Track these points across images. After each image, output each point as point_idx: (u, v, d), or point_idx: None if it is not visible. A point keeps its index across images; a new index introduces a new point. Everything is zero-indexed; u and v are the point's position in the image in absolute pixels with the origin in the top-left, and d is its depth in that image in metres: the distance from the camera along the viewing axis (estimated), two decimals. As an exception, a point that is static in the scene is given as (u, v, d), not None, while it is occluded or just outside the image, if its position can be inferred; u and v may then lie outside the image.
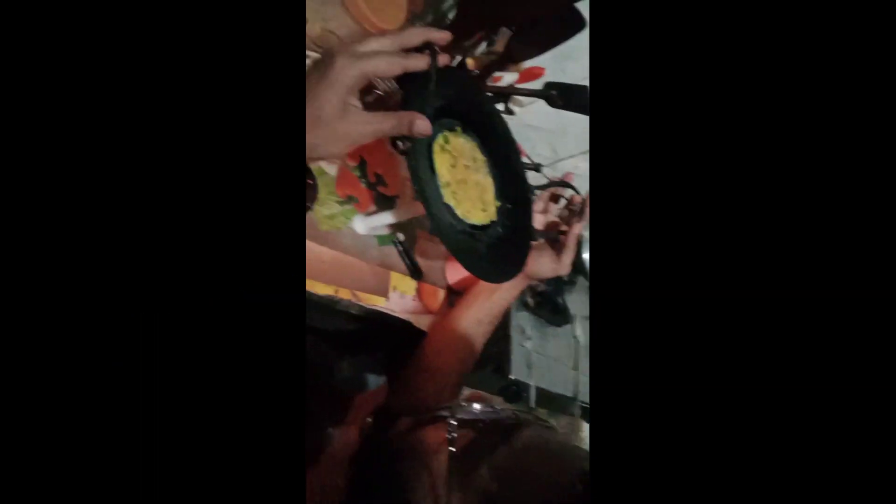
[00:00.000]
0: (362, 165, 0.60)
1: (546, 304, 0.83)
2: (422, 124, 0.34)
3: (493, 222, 0.52)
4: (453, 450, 0.29)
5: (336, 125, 0.33)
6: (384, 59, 0.33)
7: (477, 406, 0.34)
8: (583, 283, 0.93)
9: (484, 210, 0.51)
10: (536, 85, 0.61)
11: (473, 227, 0.49)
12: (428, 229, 0.69)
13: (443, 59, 0.37)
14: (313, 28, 0.43)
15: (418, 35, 0.35)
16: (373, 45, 0.33)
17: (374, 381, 1.21)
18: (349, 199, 0.56)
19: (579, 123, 0.82)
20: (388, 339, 0.58)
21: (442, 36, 0.36)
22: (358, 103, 0.35)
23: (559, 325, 0.86)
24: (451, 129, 0.49)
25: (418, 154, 0.42)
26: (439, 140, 0.47)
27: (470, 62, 0.60)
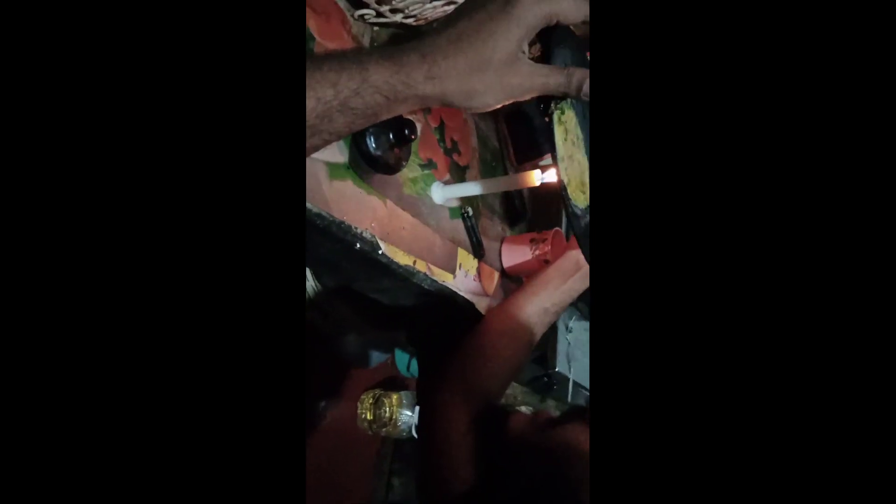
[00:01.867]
0: (441, 128, 0.54)
1: (584, 297, 0.81)
2: (594, 85, 0.30)
3: (587, 207, 0.48)
4: None
5: (503, 72, 0.28)
6: (571, 2, 0.28)
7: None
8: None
9: (583, 192, 0.48)
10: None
11: (575, 207, 0.45)
12: (492, 207, 0.64)
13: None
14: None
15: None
16: None
17: (378, 357, 1.17)
18: (429, 164, 0.51)
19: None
20: (453, 319, 0.54)
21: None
22: (527, 51, 0.30)
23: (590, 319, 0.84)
24: (565, 100, 0.44)
25: (553, 122, 0.38)
26: (558, 110, 0.42)
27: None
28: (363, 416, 1.21)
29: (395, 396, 1.20)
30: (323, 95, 0.26)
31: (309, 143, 0.28)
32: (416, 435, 1.14)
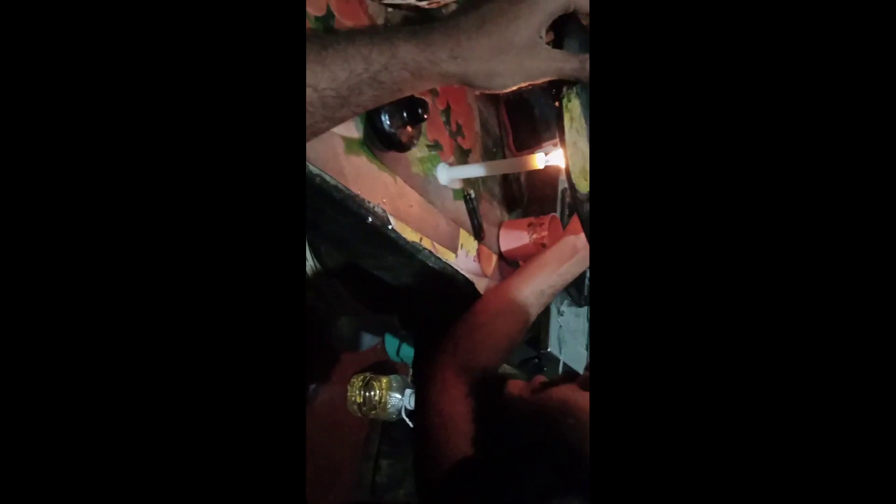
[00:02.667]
0: (447, 111, 0.56)
1: (574, 282, 0.84)
2: (607, 71, 0.32)
3: (587, 194, 0.50)
4: None
5: (523, 55, 0.30)
6: None
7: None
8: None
9: (585, 179, 0.50)
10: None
11: (579, 192, 0.47)
12: (491, 191, 0.66)
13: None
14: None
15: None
16: None
17: (369, 341, 1.19)
18: (436, 145, 0.52)
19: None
20: (453, 297, 0.56)
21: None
22: (544, 36, 0.31)
23: (581, 305, 0.87)
24: (573, 87, 0.46)
25: (563, 108, 0.39)
26: (566, 97, 0.44)
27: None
28: (353, 398, 1.23)
29: (384, 380, 1.22)
30: (355, 68, 0.27)
31: (337, 114, 0.29)
32: (405, 418, 1.16)
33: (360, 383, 1.23)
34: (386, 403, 1.21)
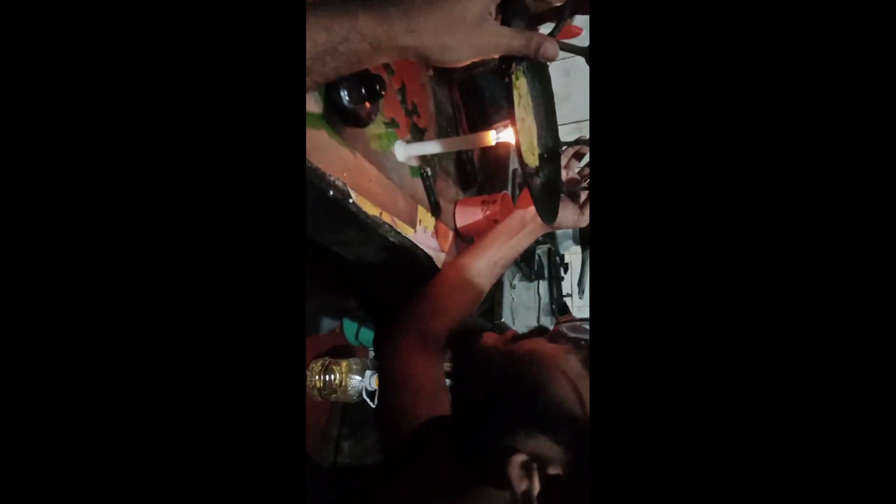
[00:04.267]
0: (403, 90, 0.57)
1: (525, 258, 0.88)
2: (552, 49, 0.35)
3: (536, 168, 0.54)
4: (586, 350, 0.32)
5: (472, 31, 0.32)
6: None
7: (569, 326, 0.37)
8: (545, 247, 1.00)
9: (532, 154, 0.53)
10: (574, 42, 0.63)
11: (527, 167, 0.50)
12: (447, 170, 0.68)
13: None
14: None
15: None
16: None
17: (328, 325, 1.18)
18: (392, 122, 0.54)
19: (581, 93, 0.87)
20: (414, 271, 0.58)
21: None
22: (493, 13, 0.34)
23: (531, 279, 0.92)
24: (521, 66, 0.49)
25: (512, 84, 0.42)
26: (514, 74, 0.47)
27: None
28: (312, 383, 1.23)
29: (344, 363, 1.23)
30: (317, 39, 0.28)
31: None
32: (366, 398, 1.18)
33: (320, 368, 1.23)
34: (346, 386, 1.22)
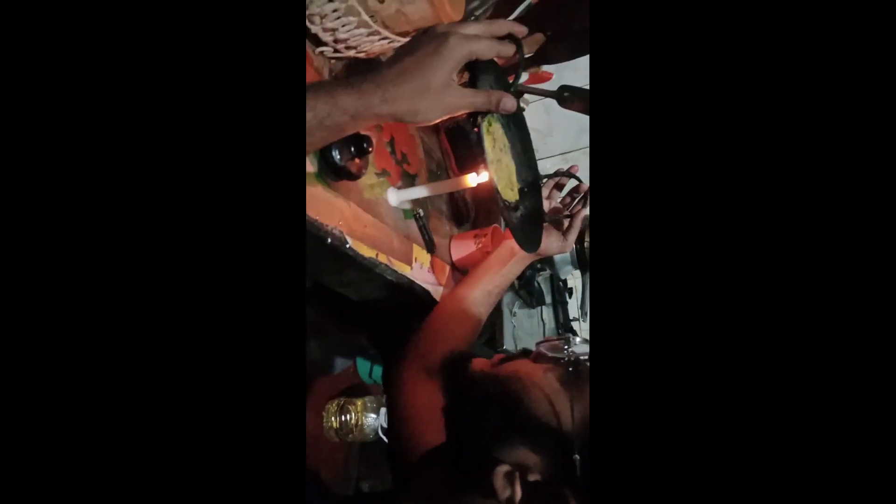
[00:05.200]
0: (392, 142, 0.64)
1: (525, 286, 0.92)
2: (509, 102, 0.40)
3: (517, 201, 0.59)
4: (569, 368, 0.35)
5: (440, 94, 0.38)
6: (486, 43, 0.39)
7: (549, 346, 0.40)
8: (546, 273, 1.04)
9: (511, 190, 0.58)
10: (545, 87, 0.70)
11: (506, 202, 0.55)
12: (440, 209, 0.74)
13: (509, 51, 0.43)
14: (388, 8, 0.47)
15: (505, 26, 0.41)
16: (473, 29, 0.39)
17: (341, 364, 1.22)
18: (384, 172, 0.60)
19: (566, 125, 0.93)
20: (412, 306, 0.62)
21: (522, 29, 0.42)
22: (456, 78, 0.40)
23: (532, 306, 0.95)
24: (492, 114, 0.55)
25: (482, 133, 0.48)
26: (486, 122, 0.53)
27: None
28: (328, 425, 1.25)
29: (359, 402, 1.25)
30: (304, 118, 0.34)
31: None
32: (381, 435, 1.19)
33: (335, 408, 1.25)
34: (363, 426, 1.23)
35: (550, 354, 0.38)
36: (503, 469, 0.32)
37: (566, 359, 0.37)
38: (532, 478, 0.32)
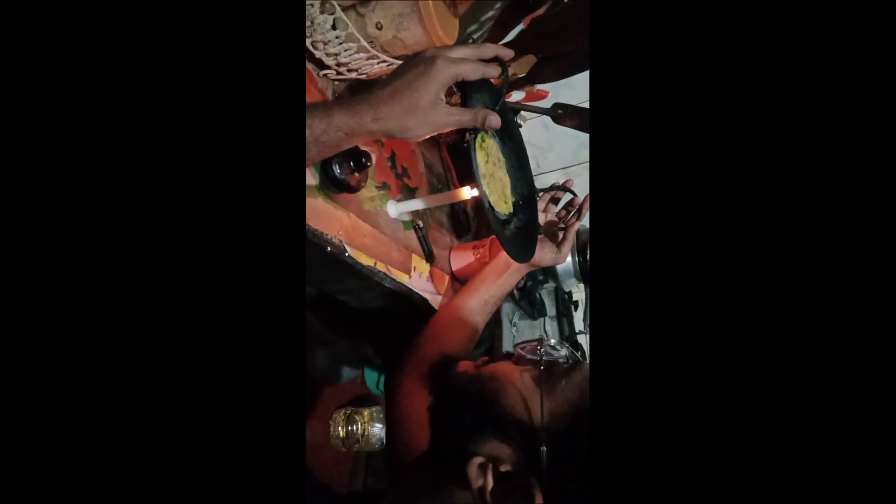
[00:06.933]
0: (392, 157, 0.67)
1: (526, 297, 0.93)
2: (494, 119, 0.43)
3: (510, 214, 0.61)
4: (541, 367, 0.37)
5: (427, 113, 0.41)
6: (471, 66, 0.42)
7: (528, 348, 0.42)
8: (551, 285, 1.05)
9: (505, 203, 0.61)
10: (541, 104, 0.72)
11: (499, 215, 0.58)
12: (440, 221, 0.77)
13: (494, 73, 0.46)
14: (386, 34, 0.51)
15: (491, 50, 0.44)
16: (460, 53, 0.42)
17: (348, 374, 1.24)
18: (384, 185, 0.63)
19: (566, 141, 0.95)
20: (411, 313, 0.65)
21: (508, 52, 0.45)
22: (444, 97, 0.43)
23: (534, 318, 0.96)
24: (473, 134, 0.58)
25: (472, 148, 0.51)
26: (479, 139, 0.56)
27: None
28: (336, 434, 1.27)
29: (366, 412, 1.27)
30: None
31: None
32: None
33: (342, 418, 1.28)
34: (369, 435, 1.25)
35: (529, 357, 0.40)
36: (477, 461, 0.34)
37: (539, 358, 0.39)
38: (503, 468, 0.33)
